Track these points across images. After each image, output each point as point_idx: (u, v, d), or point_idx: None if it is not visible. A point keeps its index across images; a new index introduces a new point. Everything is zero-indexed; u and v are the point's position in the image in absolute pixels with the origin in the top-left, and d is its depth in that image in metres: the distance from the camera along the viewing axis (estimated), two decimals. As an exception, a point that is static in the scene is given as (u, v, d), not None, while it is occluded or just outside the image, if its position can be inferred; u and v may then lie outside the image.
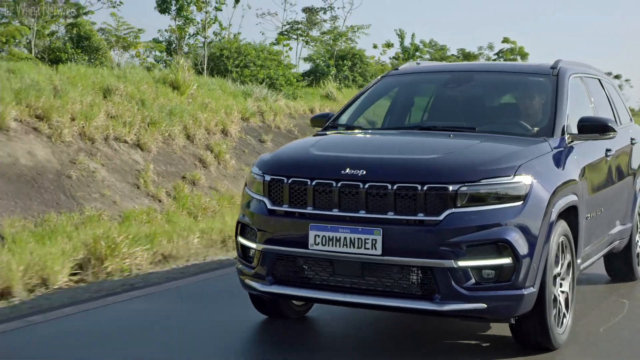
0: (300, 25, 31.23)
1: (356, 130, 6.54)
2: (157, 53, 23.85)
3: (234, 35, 26.44)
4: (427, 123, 6.70)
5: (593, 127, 6.12)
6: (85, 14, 21.43)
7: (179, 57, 16.86)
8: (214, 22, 24.67)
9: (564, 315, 5.60)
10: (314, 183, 5.23)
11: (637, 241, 8.09)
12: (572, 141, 6.07)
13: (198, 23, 24.26)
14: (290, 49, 29.44)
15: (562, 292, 5.59)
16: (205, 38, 24.33)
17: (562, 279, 5.60)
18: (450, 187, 4.97)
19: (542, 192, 5.20)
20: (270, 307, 6.11)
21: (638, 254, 8.13)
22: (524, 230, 5.03)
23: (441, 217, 4.94)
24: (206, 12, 24.28)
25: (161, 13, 23.67)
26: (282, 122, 16.93)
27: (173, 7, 23.61)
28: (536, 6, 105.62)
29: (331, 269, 5.21)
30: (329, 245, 5.12)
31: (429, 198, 4.98)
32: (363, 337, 6.03)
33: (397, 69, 7.46)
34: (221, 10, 24.61)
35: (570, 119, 6.21)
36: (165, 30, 24.78)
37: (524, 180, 5.11)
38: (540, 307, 5.22)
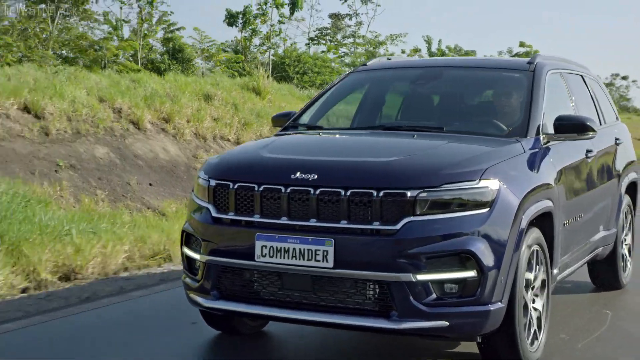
0: (329, 32, 35.31)
1: (316, 131, 6.08)
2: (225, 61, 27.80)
3: (291, 44, 31.27)
4: (392, 123, 6.25)
5: (570, 127, 5.65)
6: (178, 29, 25.18)
7: (258, 66, 21.34)
8: (277, 34, 29.58)
9: (537, 331, 5.14)
10: (261, 188, 4.76)
11: (623, 247, 7.65)
12: (548, 142, 5.61)
13: (262, 35, 28.91)
14: (340, 56, 31.91)
15: (535, 306, 5.14)
16: (269, 48, 28.68)
17: (535, 292, 5.14)
18: (409, 193, 4.51)
19: (511, 197, 4.74)
20: (221, 322, 5.64)
21: (624, 260, 7.68)
22: (491, 239, 4.56)
23: (398, 226, 4.47)
24: (271, 25, 28.94)
25: (229, 25, 28.11)
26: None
27: (240, 21, 28.09)
28: (553, 10, 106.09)
29: (280, 283, 4.74)
30: (276, 257, 4.66)
31: (385, 205, 4.52)
32: (325, 354, 5.58)
33: (365, 65, 7.00)
34: (284, 23, 29.63)
35: (547, 118, 5.76)
36: (232, 41, 29.13)
37: (491, 185, 4.65)
38: (510, 324, 4.76)
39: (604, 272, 7.52)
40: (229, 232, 4.87)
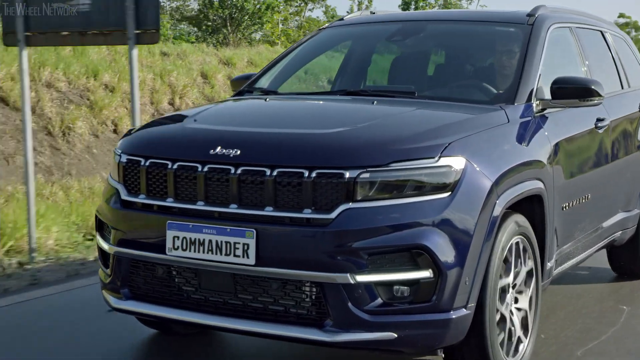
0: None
1: (270, 96, 5.18)
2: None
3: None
4: (355, 86, 5.33)
5: (571, 91, 4.67)
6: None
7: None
8: None
9: (519, 340, 4.23)
10: (175, 166, 3.92)
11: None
12: (543, 109, 4.66)
13: None
14: None
15: (518, 309, 4.22)
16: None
17: (518, 293, 4.22)
18: (347, 174, 3.62)
19: (481, 178, 3.82)
20: (154, 320, 4.83)
21: None
22: (451, 231, 3.66)
23: (333, 215, 3.59)
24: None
25: (403, 10, 33.01)
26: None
27: (412, 6, 33.98)
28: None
29: (197, 282, 3.91)
30: (190, 251, 3.82)
31: (318, 188, 3.63)
32: (275, 354, 4.76)
33: (342, 19, 6.06)
34: (449, 8, 34.23)
35: (545, 81, 4.79)
36: None
37: (454, 163, 3.73)
38: (479, 333, 3.87)
39: (625, 259, 6.52)
40: (139, 218, 4.05)
